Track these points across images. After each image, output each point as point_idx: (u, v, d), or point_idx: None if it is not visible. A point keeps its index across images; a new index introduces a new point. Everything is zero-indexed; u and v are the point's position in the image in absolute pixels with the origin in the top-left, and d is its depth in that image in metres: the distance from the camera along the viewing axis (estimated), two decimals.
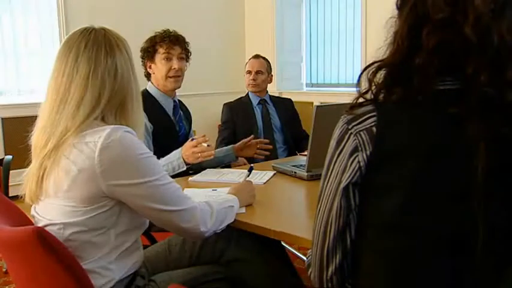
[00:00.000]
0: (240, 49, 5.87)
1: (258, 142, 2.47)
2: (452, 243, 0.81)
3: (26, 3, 4.35)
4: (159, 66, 2.27)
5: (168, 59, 2.26)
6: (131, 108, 1.23)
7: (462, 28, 0.79)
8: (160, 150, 2.09)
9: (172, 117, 2.35)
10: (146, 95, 2.29)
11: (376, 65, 0.88)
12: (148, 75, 2.35)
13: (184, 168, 2.05)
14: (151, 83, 2.34)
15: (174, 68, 2.26)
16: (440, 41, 0.80)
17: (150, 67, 2.31)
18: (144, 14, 4.97)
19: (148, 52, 2.28)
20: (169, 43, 2.25)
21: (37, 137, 1.18)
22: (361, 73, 0.89)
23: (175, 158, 2.05)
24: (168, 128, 2.31)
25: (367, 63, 0.89)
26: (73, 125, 1.13)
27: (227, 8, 5.80)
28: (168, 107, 2.34)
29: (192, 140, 2.06)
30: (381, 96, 0.87)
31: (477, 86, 0.79)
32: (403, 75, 0.84)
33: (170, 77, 2.27)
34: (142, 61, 2.33)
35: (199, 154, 2.01)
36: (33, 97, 4.34)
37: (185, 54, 2.34)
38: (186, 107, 2.54)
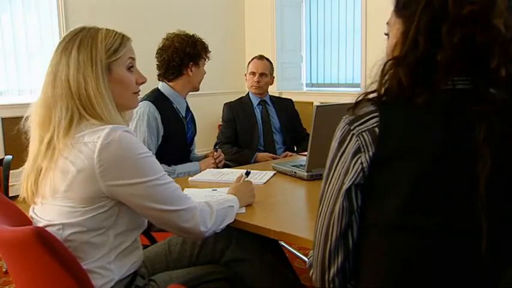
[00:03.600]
0: (240, 49, 5.87)
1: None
2: (455, 243, 0.81)
3: (26, 3, 4.35)
4: (201, 71, 2.40)
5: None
6: (101, 109, 1.19)
7: (488, 21, 0.78)
8: (170, 149, 2.19)
9: (183, 117, 2.39)
10: (160, 94, 2.33)
11: (390, 63, 0.85)
12: (179, 74, 2.34)
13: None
14: (166, 83, 2.35)
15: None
16: (463, 36, 0.79)
17: (190, 69, 2.33)
18: (144, 15, 4.97)
19: (196, 56, 2.34)
20: (208, 49, 2.45)
21: (33, 133, 1.20)
22: (380, 71, 0.87)
23: (194, 170, 2.24)
24: (178, 128, 2.36)
25: (380, 62, 0.86)
26: (59, 122, 1.15)
27: (227, 8, 5.80)
28: (182, 107, 2.39)
29: (216, 150, 2.40)
30: (395, 95, 0.85)
31: (492, 84, 0.79)
32: (422, 74, 0.82)
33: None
34: (180, 60, 2.32)
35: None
36: (33, 97, 4.34)
37: None
38: (191, 111, 2.57)
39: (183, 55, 2.30)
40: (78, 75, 1.18)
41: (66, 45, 1.21)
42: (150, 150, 1.23)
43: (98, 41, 1.22)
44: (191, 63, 2.32)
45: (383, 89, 0.86)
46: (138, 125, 2.16)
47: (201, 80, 2.42)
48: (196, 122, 2.57)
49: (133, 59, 1.30)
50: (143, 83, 1.32)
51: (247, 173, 1.73)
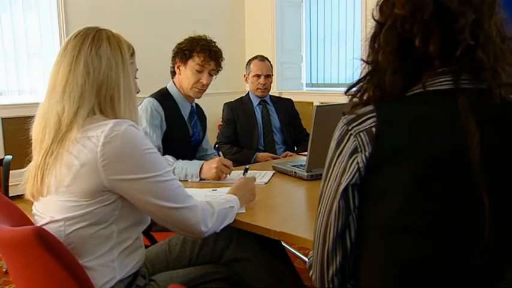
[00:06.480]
0: (240, 49, 5.87)
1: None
2: (455, 243, 0.81)
3: (26, 3, 4.35)
4: (189, 74, 2.24)
5: (200, 71, 2.23)
6: (122, 105, 1.21)
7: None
8: (171, 150, 2.13)
9: (187, 120, 2.34)
10: (165, 93, 2.31)
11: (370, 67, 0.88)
12: (173, 73, 2.33)
13: (197, 180, 2.00)
14: (173, 82, 2.33)
15: (202, 82, 2.24)
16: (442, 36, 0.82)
17: (178, 67, 2.29)
18: (145, 15, 4.97)
19: (184, 54, 2.24)
20: (208, 57, 2.22)
21: (35, 127, 1.19)
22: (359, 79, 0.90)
23: (194, 167, 2.00)
24: (181, 130, 2.31)
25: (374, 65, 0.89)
26: (62, 111, 1.14)
27: (227, 8, 5.80)
28: (185, 110, 2.33)
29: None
30: (389, 96, 0.87)
31: (490, 82, 0.81)
32: (416, 74, 0.84)
33: (196, 89, 2.26)
34: (172, 58, 2.30)
35: (223, 176, 1.96)
36: (33, 97, 4.35)
37: (216, 71, 2.31)
38: (202, 112, 2.52)
39: (176, 49, 2.28)
40: (108, 69, 1.19)
41: (91, 39, 1.20)
42: (151, 141, 1.22)
43: (122, 40, 1.25)
44: (177, 59, 2.27)
45: (378, 90, 0.87)
46: (140, 117, 2.13)
47: (191, 87, 2.24)
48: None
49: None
50: (137, 92, 1.33)
51: (246, 170, 1.72)
